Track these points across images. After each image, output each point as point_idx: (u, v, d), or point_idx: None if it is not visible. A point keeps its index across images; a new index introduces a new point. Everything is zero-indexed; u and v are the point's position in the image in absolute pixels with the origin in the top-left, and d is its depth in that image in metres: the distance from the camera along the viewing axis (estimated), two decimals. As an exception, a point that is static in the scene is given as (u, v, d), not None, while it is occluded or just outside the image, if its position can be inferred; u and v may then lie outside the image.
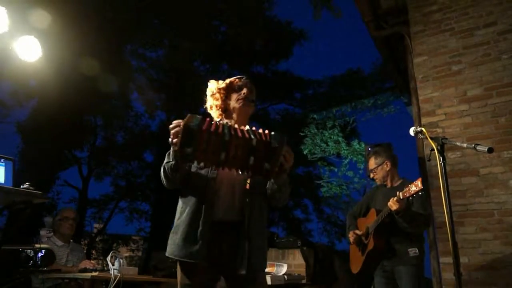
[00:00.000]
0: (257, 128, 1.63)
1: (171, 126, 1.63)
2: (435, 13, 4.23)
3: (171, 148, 1.70)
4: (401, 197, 2.71)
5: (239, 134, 1.55)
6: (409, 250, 2.89)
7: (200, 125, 1.51)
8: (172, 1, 10.73)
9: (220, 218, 1.77)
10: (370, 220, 3.08)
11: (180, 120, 1.59)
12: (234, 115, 2.00)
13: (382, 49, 5.04)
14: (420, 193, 2.63)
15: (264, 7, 14.19)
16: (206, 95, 2.07)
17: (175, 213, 1.89)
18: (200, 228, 1.73)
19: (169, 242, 1.80)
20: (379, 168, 3.21)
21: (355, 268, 3.17)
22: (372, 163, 3.26)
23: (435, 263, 3.79)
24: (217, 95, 2.01)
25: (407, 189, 2.68)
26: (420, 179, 2.65)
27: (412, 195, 2.65)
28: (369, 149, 4.13)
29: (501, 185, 3.50)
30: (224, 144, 1.51)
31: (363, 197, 3.37)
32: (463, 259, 3.34)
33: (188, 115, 1.53)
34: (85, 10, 9.02)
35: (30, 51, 3.03)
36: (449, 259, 3.02)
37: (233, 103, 2.00)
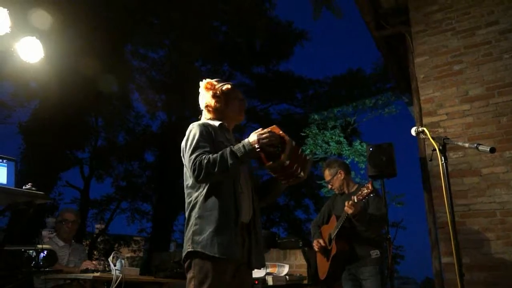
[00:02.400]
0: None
1: (266, 134, 1.77)
2: (436, 13, 4.22)
3: (245, 149, 1.77)
4: (355, 201, 2.85)
5: (301, 152, 1.88)
6: (371, 252, 3.04)
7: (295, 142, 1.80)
8: (172, 1, 10.74)
9: (242, 219, 1.88)
10: (332, 226, 3.18)
11: (272, 130, 1.79)
12: (227, 121, 2.03)
13: (383, 49, 5.03)
14: (372, 195, 2.83)
15: (265, 8, 14.17)
16: (199, 89, 2.06)
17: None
18: (238, 230, 1.82)
19: (210, 241, 1.76)
20: (335, 178, 3.32)
21: (322, 274, 3.25)
22: (327, 174, 3.37)
23: (437, 263, 3.78)
24: (222, 99, 1.99)
25: (359, 192, 2.84)
26: (371, 181, 2.86)
27: (365, 197, 2.82)
28: (370, 149, 4.13)
29: (503, 185, 3.50)
30: (297, 158, 1.82)
31: (324, 206, 3.48)
32: (465, 259, 3.33)
33: (277, 127, 1.81)
34: (86, 10, 9.04)
35: (31, 52, 3.01)
36: (451, 259, 3.03)
37: (233, 110, 2.02)
